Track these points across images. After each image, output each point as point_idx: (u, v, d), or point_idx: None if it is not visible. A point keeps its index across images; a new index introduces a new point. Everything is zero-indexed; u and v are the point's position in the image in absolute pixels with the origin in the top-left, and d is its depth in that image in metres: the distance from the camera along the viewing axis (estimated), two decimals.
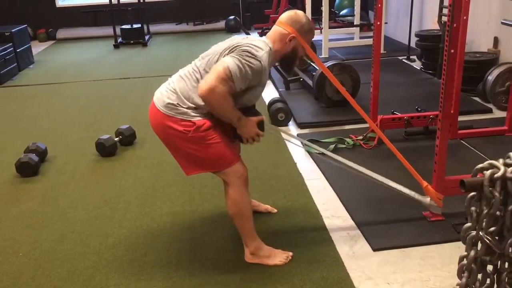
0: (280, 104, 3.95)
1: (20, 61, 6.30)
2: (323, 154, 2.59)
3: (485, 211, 1.28)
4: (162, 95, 2.11)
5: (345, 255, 2.25)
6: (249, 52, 1.97)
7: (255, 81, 2.02)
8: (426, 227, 2.42)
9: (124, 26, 7.87)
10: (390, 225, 2.46)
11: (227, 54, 2.00)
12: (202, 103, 2.02)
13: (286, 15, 2.16)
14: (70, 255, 2.36)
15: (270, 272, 2.15)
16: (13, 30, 6.20)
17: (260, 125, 2.15)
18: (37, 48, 7.80)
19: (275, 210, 2.64)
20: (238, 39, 2.09)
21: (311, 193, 2.82)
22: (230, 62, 1.94)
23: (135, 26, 7.87)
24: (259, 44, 2.03)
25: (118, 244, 2.44)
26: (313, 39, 2.25)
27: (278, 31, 2.14)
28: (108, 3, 7.69)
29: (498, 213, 1.29)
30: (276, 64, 2.27)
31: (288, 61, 2.21)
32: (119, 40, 7.76)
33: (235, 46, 2.01)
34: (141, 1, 7.94)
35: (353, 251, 2.28)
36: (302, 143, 2.60)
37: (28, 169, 3.22)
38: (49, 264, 2.30)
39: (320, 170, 3.11)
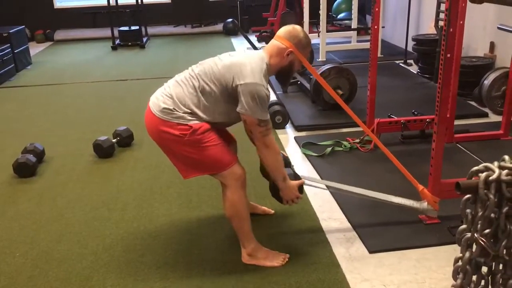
0: (277, 107, 3.97)
1: (17, 62, 6.30)
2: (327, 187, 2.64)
3: (480, 213, 1.30)
4: (158, 100, 2.12)
5: (341, 257, 2.26)
6: (258, 91, 2.00)
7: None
8: (422, 229, 2.44)
9: (122, 28, 7.89)
10: (386, 228, 2.47)
11: (236, 91, 2.02)
12: (198, 111, 2.07)
13: (284, 30, 2.20)
14: (68, 255, 2.37)
15: (267, 274, 2.16)
16: (10, 31, 6.20)
17: (300, 188, 2.28)
18: (35, 49, 7.80)
19: (272, 212, 2.66)
20: (236, 58, 2.10)
21: (308, 195, 2.83)
22: (254, 111, 2.01)
23: (133, 28, 7.88)
24: (255, 71, 2.04)
25: (115, 245, 2.44)
26: (310, 43, 2.28)
27: (276, 46, 2.17)
28: (106, 4, 7.71)
29: (492, 215, 1.31)
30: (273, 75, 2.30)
31: (284, 74, 2.25)
32: (117, 42, 7.78)
33: (240, 85, 2.01)
34: (139, 3, 7.96)
35: (349, 253, 2.29)
36: (327, 186, 2.68)
37: (25, 169, 3.23)
38: (46, 265, 2.30)
39: (317, 172, 3.12)
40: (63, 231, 2.59)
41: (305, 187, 2.91)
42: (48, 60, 7.15)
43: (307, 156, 3.37)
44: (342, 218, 2.59)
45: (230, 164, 2.12)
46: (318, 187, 2.61)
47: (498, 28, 3.60)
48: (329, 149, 3.39)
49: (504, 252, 1.34)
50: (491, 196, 1.27)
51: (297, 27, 2.22)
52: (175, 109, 2.07)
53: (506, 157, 1.31)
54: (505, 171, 1.27)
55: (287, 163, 2.38)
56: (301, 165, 3.26)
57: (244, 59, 2.09)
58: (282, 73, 2.22)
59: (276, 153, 2.12)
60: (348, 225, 2.53)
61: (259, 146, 2.10)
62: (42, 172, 3.33)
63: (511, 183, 1.27)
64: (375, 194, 2.48)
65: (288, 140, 3.73)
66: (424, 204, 2.45)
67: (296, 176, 2.30)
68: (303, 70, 5.14)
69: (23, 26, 6.74)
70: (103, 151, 3.48)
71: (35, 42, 8.50)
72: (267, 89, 2.06)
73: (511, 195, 1.27)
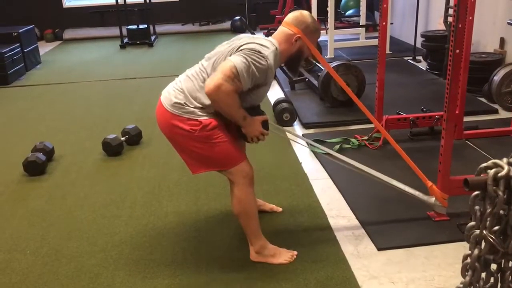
0: (285, 104, 3.96)
1: (27, 61, 6.35)
2: (328, 154, 2.60)
3: (488, 210, 1.28)
4: (170, 95, 2.13)
5: (349, 254, 2.26)
6: (256, 51, 1.98)
7: (261, 79, 2.03)
8: (430, 227, 2.42)
9: (130, 27, 7.91)
10: (394, 225, 2.47)
11: (234, 53, 2.02)
12: (209, 103, 2.04)
13: (291, 16, 2.18)
14: (77, 253, 2.39)
15: (275, 271, 2.16)
16: (20, 31, 6.24)
17: (265, 124, 2.17)
18: (44, 48, 7.86)
19: (280, 209, 2.66)
20: (244, 38, 2.10)
21: (316, 193, 2.83)
22: (236, 60, 1.95)
23: (141, 26, 7.90)
24: (265, 43, 2.04)
25: (124, 242, 2.46)
26: (318, 40, 2.26)
27: (284, 32, 2.16)
28: (115, 3, 7.74)
29: (501, 212, 1.29)
30: (282, 64, 2.28)
31: (294, 61, 2.22)
32: (125, 40, 7.80)
33: (242, 45, 2.02)
34: (147, 2, 7.98)
35: (357, 250, 2.29)
36: (307, 142, 2.60)
37: (35, 168, 3.25)
38: (56, 262, 2.32)
39: (325, 169, 3.12)
40: (72, 229, 2.61)
41: (313, 184, 2.93)
42: (57, 59, 7.20)
43: (315, 153, 3.36)
44: (351, 216, 2.59)
45: (238, 161, 2.13)
46: (294, 140, 2.49)
47: (508, 23, 3.56)
48: (337, 146, 3.38)
49: None
50: (500, 193, 1.25)
51: (305, 12, 2.19)
52: (186, 104, 2.07)
53: None
54: None
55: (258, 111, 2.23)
56: (309, 162, 3.26)
57: (253, 39, 2.08)
58: (291, 60, 2.20)
59: (228, 95, 1.95)
60: (357, 222, 2.52)
61: (212, 89, 1.93)
62: (52, 170, 3.36)
63: None
64: (377, 173, 2.44)
65: (295, 141, 3.73)
66: (432, 198, 2.43)
67: (259, 113, 2.17)
68: (311, 68, 5.14)
69: (33, 26, 6.78)
70: (112, 149, 3.50)
71: (44, 41, 8.55)
72: (271, 65, 1.99)
73: None
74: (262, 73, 2.00)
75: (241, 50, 2.01)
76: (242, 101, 2.05)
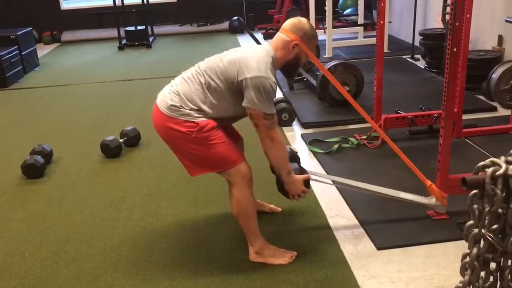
0: (284, 104, 3.96)
1: (25, 63, 6.34)
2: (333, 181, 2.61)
3: (487, 209, 1.28)
4: (165, 97, 2.12)
5: (349, 254, 2.25)
6: (263, 84, 2.00)
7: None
8: (430, 225, 2.42)
9: (128, 28, 7.91)
10: (394, 224, 2.46)
11: (243, 89, 2.02)
12: (205, 107, 2.06)
13: (289, 22, 2.18)
14: (76, 255, 2.38)
15: (274, 271, 2.16)
16: (18, 33, 6.24)
17: (307, 183, 2.27)
18: (42, 50, 7.85)
19: (280, 210, 2.65)
20: (241, 53, 2.10)
21: (315, 193, 2.82)
22: (259, 105, 2.00)
23: (139, 28, 7.90)
24: (261, 63, 2.04)
25: (123, 244, 2.45)
26: (316, 35, 2.27)
27: (281, 38, 2.16)
28: (112, 5, 7.73)
29: (500, 210, 1.29)
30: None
31: (291, 67, 2.23)
32: (124, 42, 7.80)
33: (246, 79, 2.01)
34: (145, 3, 7.97)
35: (357, 250, 2.28)
36: (334, 182, 2.64)
37: (33, 170, 3.25)
38: (55, 265, 2.32)
39: (324, 169, 3.11)
40: (71, 231, 2.60)
41: (312, 183, 2.92)
42: (56, 61, 7.19)
43: (314, 153, 3.36)
44: (350, 215, 2.58)
45: (236, 162, 2.12)
46: (324, 182, 2.59)
47: (506, 21, 3.56)
48: (336, 146, 3.38)
49: None
50: (498, 192, 1.25)
51: (303, 19, 2.20)
52: (182, 106, 2.07)
53: None
54: None
55: (295, 157, 2.37)
56: (308, 162, 3.25)
57: (249, 53, 2.09)
58: (288, 66, 2.21)
59: (280, 147, 2.11)
60: (356, 222, 2.52)
61: (264, 140, 2.08)
62: (50, 173, 3.35)
63: None
64: (382, 189, 2.46)
65: (295, 137, 3.72)
66: (433, 200, 2.43)
67: (302, 171, 2.29)
68: (309, 67, 5.13)
69: (31, 28, 6.78)
70: (111, 151, 3.50)
71: (42, 43, 8.55)
72: (274, 82, 2.05)
73: None
74: (274, 92, 2.06)
75: (249, 85, 2.00)
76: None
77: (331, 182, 2.60)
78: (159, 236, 2.51)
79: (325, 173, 3.06)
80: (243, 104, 2.04)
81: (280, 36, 2.17)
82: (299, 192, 2.25)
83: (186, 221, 2.63)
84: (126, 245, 2.44)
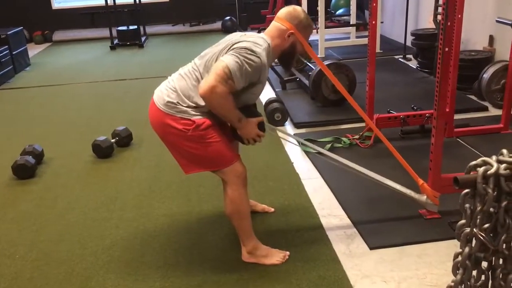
0: (276, 104, 3.95)
1: (16, 63, 6.29)
2: (319, 153, 2.60)
3: (478, 208, 1.29)
4: (162, 94, 2.11)
5: (341, 253, 2.25)
6: (248, 49, 1.96)
7: (254, 78, 2.01)
8: (422, 225, 2.43)
9: (120, 28, 7.87)
10: (386, 224, 2.46)
11: (226, 53, 2.00)
12: (202, 103, 2.03)
13: (284, 11, 2.16)
14: (67, 256, 2.36)
15: (267, 272, 2.15)
16: (9, 33, 6.19)
17: (261, 125, 2.16)
18: (33, 50, 7.79)
19: (272, 210, 2.65)
20: (236, 36, 2.09)
21: (308, 192, 2.82)
22: (229, 60, 1.94)
23: (131, 27, 7.87)
24: (258, 41, 2.03)
25: (115, 245, 2.44)
26: (309, 39, 2.26)
27: (276, 27, 2.14)
28: (104, 4, 7.69)
29: (491, 209, 1.29)
30: (276, 61, 2.27)
31: (287, 57, 2.20)
32: (116, 41, 7.76)
33: (234, 44, 2.01)
34: (137, 3, 7.94)
35: (349, 249, 2.28)
36: (299, 142, 2.60)
37: (24, 171, 3.22)
38: (46, 266, 2.30)
39: (317, 169, 3.11)
40: (62, 232, 2.58)
41: (305, 183, 2.92)
42: (47, 61, 7.14)
43: (306, 153, 3.36)
44: (342, 215, 2.58)
45: (232, 161, 2.11)
46: (288, 141, 2.51)
47: (497, 21, 3.57)
48: (328, 145, 3.38)
49: (504, 246, 1.33)
50: (490, 191, 1.26)
51: (298, 7, 2.18)
52: (179, 103, 2.05)
53: (505, 151, 1.30)
54: (504, 165, 1.26)
55: (251, 106, 2.21)
56: (301, 162, 3.25)
57: (244, 37, 2.06)
58: (284, 55, 2.18)
59: (222, 97, 1.94)
60: (348, 221, 2.52)
61: (206, 90, 1.91)
62: (41, 173, 3.32)
63: (510, 177, 1.26)
64: (368, 172, 2.44)
65: (287, 137, 3.72)
66: (423, 197, 2.44)
67: (255, 113, 2.16)
68: (302, 67, 5.14)
69: (21, 28, 6.72)
70: (102, 152, 3.47)
71: (33, 43, 8.48)
72: (264, 61, 1.98)
73: (510, 189, 1.26)
74: (255, 71, 1.98)
75: (233, 49, 1.99)
76: (237, 100, 2.04)
77: (297, 143, 2.50)
78: (151, 236, 2.50)
79: (319, 174, 3.06)
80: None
81: (275, 25, 2.15)
82: (253, 135, 2.13)
83: (179, 221, 2.62)
84: (118, 246, 2.43)
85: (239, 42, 2.01)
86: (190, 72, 2.11)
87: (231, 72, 1.92)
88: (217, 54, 2.04)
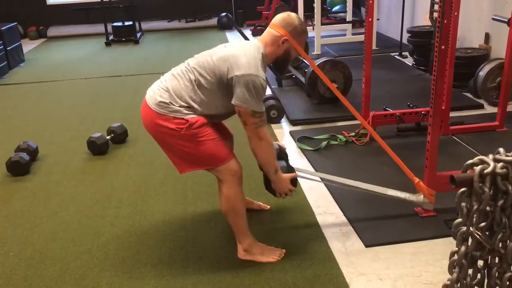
0: (272, 101, 3.94)
1: (10, 59, 6.25)
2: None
3: (475, 207, 1.29)
4: (154, 94, 2.10)
5: (337, 251, 2.25)
6: (252, 75, 1.98)
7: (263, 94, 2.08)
8: (418, 223, 2.43)
9: (115, 24, 7.83)
10: (382, 221, 2.47)
11: (233, 85, 2.00)
12: (194, 104, 2.04)
13: (279, 18, 2.17)
14: (62, 254, 2.35)
15: (263, 269, 2.15)
16: (2, 28, 6.14)
17: (294, 181, 2.25)
18: (27, 46, 7.74)
19: (268, 207, 2.64)
20: (230, 50, 2.08)
21: (304, 190, 2.82)
22: (249, 102, 1.98)
23: (126, 23, 7.83)
24: (251, 60, 2.02)
25: (110, 242, 2.43)
26: (306, 30, 2.26)
27: (271, 34, 2.15)
28: (99, 0, 7.64)
29: (488, 208, 1.29)
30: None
31: (281, 63, 2.22)
32: (111, 37, 7.72)
33: (235, 76, 1.99)
34: None
35: (345, 247, 2.28)
36: (322, 179, 2.64)
37: (19, 168, 3.20)
38: (41, 264, 2.29)
39: (313, 166, 3.11)
40: (57, 230, 2.57)
41: (300, 181, 2.91)
42: (41, 57, 7.10)
43: (302, 150, 3.35)
44: (338, 213, 2.58)
45: (226, 159, 2.11)
46: (312, 179, 2.59)
47: (493, 19, 3.57)
48: (324, 143, 3.37)
49: (500, 245, 1.32)
50: (486, 190, 1.25)
51: (292, 14, 2.19)
52: (171, 103, 2.05)
53: (501, 150, 1.30)
54: (500, 164, 1.26)
55: (283, 154, 2.35)
56: (297, 159, 3.25)
57: (239, 50, 2.07)
58: (278, 61, 2.20)
59: (268, 145, 2.10)
60: (344, 219, 2.52)
61: (252, 138, 2.07)
62: (36, 170, 3.30)
63: (506, 176, 1.26)
64: (370, 186, 2.47)
65: (283, 134, 3.72)
66: (420, 197, 2.44)
67: (289, 169, 2.27)
68: (298, 64, 5.13)
69: (16, 23, 6.68)
70: (97, 148, 3.46)
71: (28, 39, 8.43)
72: (264, 80, 2.03)
73: (506, 188, 1.26)
74: (263, 90, 2.04)
75: (238, 82, 1.98)
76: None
77: (319, 179, 2.60)
78: (146, 234, 2.49)
79: (314, 170, 3.06)
80: (233, 102, 2.02)
81: (269, 31, 2.16)
82: (286, 190, 2.24)
83: (174, 219, 2.61)
84: (113, 244, 2.42)
85: (241, 75, 1.98)
86: (183, 73, 2.11)
87: (255, 111, 2.00)
88: (214, 70, 2.04)
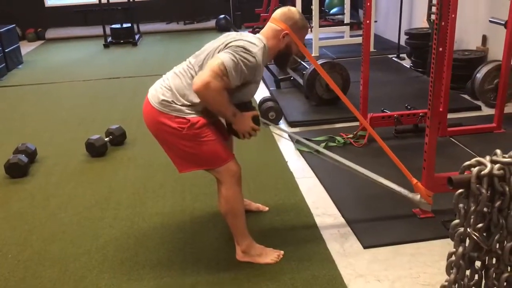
0: (271, 103, 3.95)
1: (8, 61, 6.24)
2: (316, 150, 2.60)
3: (472, 208, 1.29)
4: (157, 92, 2.10)
5: (335, 253, 2.26)
6: (244, 48, 1.97)
7: (249, 76, 2.02)
8: (416, 224, 2.43)
9: (114, 26, 7.83)
10: (380, 223, 2.47)
11: (222, 50, 2.00)
12: (197, 101, 2.02)
13: (279, 12, 2.17)
14: (61, 256, 2.35)
15: (261, 271, 2.15)
16: (1, 30, 6.14)
17: (256, 119, 2.16)
18: (26, 48, 7.74)
19: (267, 209, 2.65)
20: (232, 35, 2.09)
21: (302, 191, 2.82)
22: (225, 57, 1.94)
23: (125, 25, 7.83)
24: (253, 40, 2.03)
25: (108, 244, 2.43)
26: (307, 24, 2.27)
27: (271, 28, 2.15)
28: (98, 2, 7.65)
29: (485, 209, 1.30)
30: (271, 61, 2.28)
31: (283, 57, 2.22)
32: (109, 39, 7.72)
33: (230, 42, 2.01)
34: (131, 1, 7.90)
35: (343, 248, 2.29)
36: (292, 138, 2.61)
37: (17, 170, 3.20)
38: (39, 266, 2.29)
39: (311, 168, 3.12)
40: (55, 232, 2.57)
41: (298, 182, 2.93)
42: (40, 59, 7.09)
43: (300, 152, 3.36)
44: (336, 214, 2.59)
45: (226, 160, 2.11)
46: (308, 145, 2.55)
47: (490, 21, 3.59)
48: (322, 144, 3.38)
49: (497, 246, 1.33)
50: (484, 191, 1.26)
51: (293, 8, 2.19)
52: (174, 101, 2.05)
53: (498, 151, 1.31)
54: (497, 165, 1.26)
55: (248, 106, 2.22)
56: (295, 161, 3.25)
57: (241, 36, 2.07)
58: (280, 56, 2.19)
59: (217, 92, 1.94)
60: (342, 220, 2.52)
61: (200, 86, 1.91)
62: (34, 172, 3.30)
63: (503, 177, 1.26)
64: (362, 169, 2.45)
65: (282, 136, 3.72)
66: (417, 196, 2.44)
67: (248, 107, 2.17)
68: (296, 66, 5.14)
69: (14, 25, 6.67)
70: (96, 150, 3.46)
71: (26, 41, 8.42)
72: (258, 60, 1.98)
73: (503, 189, 1.26)
74: (250, 70, 1.99)
75: (229, 47, 1.99)
76: (232, 98, 2.04)
77: (315, 150, 2.52)
78: (145, 235, 2.49)
79: (313, 174, 3.06)
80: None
81: (270, 25, 2.16)
82: (249, 129, 2.13)
83: (173, 221, 2.61)
84: (112, 245, 2.42)
85: (235, 40, 2.01)
86: (185, 71, 2.10)
87: (226, 69, 1.92)
88: (213, 52, 2.04)
